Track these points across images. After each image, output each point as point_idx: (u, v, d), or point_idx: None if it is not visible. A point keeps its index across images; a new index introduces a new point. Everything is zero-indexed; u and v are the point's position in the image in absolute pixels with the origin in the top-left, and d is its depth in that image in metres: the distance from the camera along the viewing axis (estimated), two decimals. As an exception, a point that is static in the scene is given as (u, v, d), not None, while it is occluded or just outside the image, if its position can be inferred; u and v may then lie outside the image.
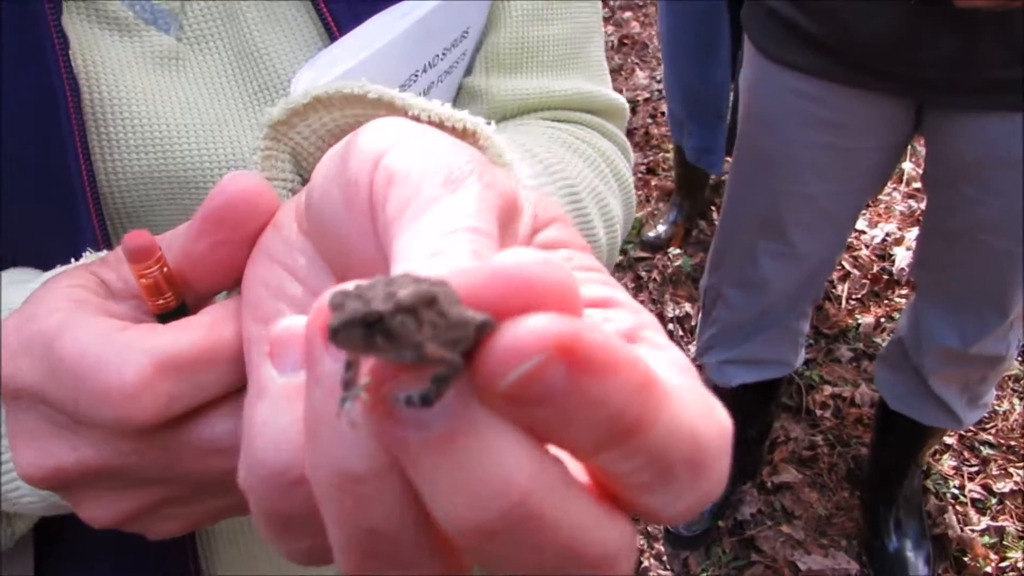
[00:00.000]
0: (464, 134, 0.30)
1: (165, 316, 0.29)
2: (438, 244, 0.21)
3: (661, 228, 2.50)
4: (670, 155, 2.69)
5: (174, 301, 0.29)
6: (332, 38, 0.44)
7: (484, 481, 0.18)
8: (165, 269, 0.29)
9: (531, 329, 0.18)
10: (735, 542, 1.88)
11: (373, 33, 0.42)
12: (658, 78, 3.14)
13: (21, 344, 0.28)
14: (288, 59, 0.44)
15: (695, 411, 0.20)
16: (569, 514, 0.19)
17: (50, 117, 0.39)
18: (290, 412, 0.23)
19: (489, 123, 0.31)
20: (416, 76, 0.46)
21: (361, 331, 0.18)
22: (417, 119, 0.29)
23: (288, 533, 0.24)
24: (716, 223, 2.00)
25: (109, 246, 0.41)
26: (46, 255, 0.38)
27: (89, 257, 0.36)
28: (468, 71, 0.53)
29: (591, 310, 0.24)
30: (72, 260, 0.36)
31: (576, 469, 0.21)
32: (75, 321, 0.27)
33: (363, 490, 0.20)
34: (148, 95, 0.42)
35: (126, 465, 0.28)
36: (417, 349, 0.18)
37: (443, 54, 0.48)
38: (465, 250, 0.21)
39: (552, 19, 0.54)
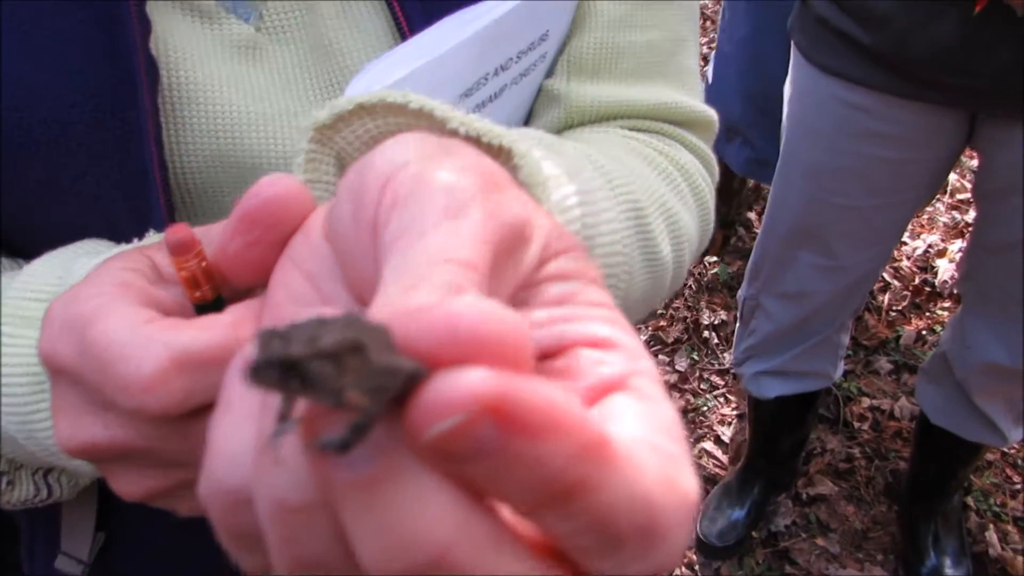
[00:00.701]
0: (500, 151, 0.30)
1: (202, 308, 0.30)
2: (417, 276, 0.21)
3: (698, 235, 2.47)
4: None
5: (211, 294, 0.30)
6: (404, 37, 0.44)
7: (404, 531, 0.18)
8: (204, 264, 0.30)
9: (456, 384, 0.17)
10: (768, 553, 1.86)
11: (441, 35, 0.42)
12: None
13: (63, 324, 0.29)
14: (359, 56, 0.45)
15: (654, 477, 0.20)
16: (497, 573, 0.19)
17: (127, 98, 0.41)
18: (251, 430, 0.22)
19: (525, 140, 0.30)
20: (487, 79, 0.45)
21: (278, 373, 0.18)
22: (455, 132, 0.29)
23: (242, 549, 0.24)
24: (756, 232, 1.98)
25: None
26: (118, 231, 0.40)
27: (152, 238, 0.37)
28: (550, 73, 0.52)
29: (585, 349, 0.24)
30: (135, 240, 0.37)
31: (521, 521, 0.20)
32: (109, 309, 0.28)
33: (297, 521, 0.20)
34: (223, 82, 0.43)
35: (150, 448, 0.29)
36: (336, 395, 0.18)
37: (518, 56, 0.47)
38: (441, 284, 0.20)
39: (641, 25, 0.52)
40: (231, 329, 0.28)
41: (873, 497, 1.93)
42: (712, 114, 0.58)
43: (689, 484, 0.21)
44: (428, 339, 0.18)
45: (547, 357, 0.24)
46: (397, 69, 0.40)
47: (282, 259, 0.28)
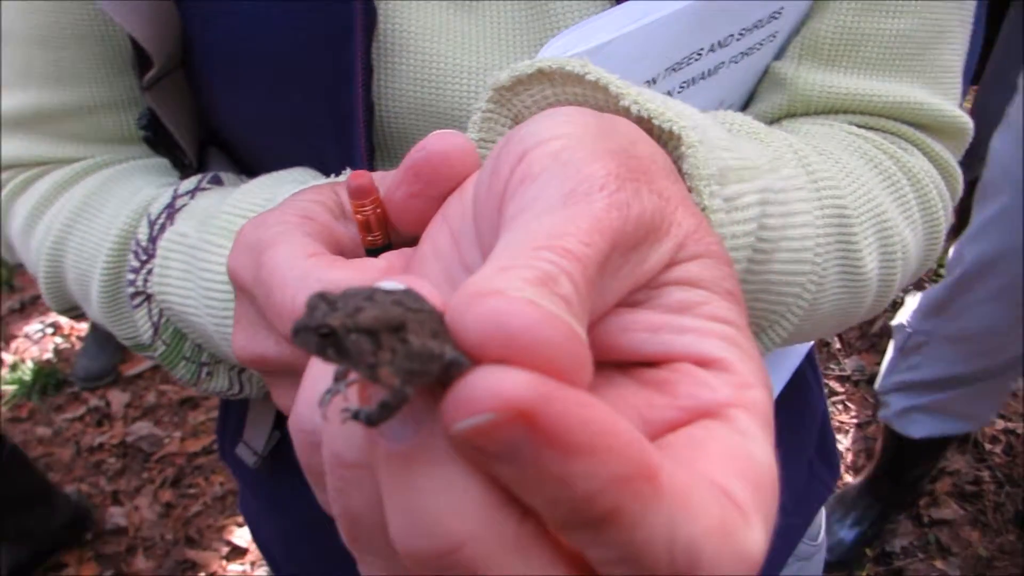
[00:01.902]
0: (671, 135, 0.28)
1: (372, 252, 0.31)
2: (514, 258, 0.20)
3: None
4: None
5: (382, 240, 0.31)
6: (618, 2, 0.42)
7: (426, 513, 0.18)
8: (379, 210, 0.31)
9: (490, 381, 0.17)
10: (882, 571, 1.78)
11: (656, 3, 0.39)
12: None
13: (247, 245, 0.31)
14: (571, 17, 0.43)
15: (707, 524, 0.18)
16: None
17: (342, 40, 0.43)
18: (330, 380, 0.23)
19: (711, 128, 0.30)
20: (700, 54, 0.42)
21: (316, 339, 0.18)
22: (628, 111, 0.28)
23: (316, 486, 0.25)
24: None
25: (371, 165, 0.46)
26: (324, 164, 0.45)
27: (347, 176, 0.38)
28: (780, 54, 0.48)
29: (690, 366, 0.23)
30: (331, 175, 0.40)
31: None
32: (284, 237, 0.30)
33: (348, 475, 0.21)
34: (436, 32, 0.44)
35: None
36: (370, 370, 0.18)
37: (741, 33, 0.43)
38: (535, 271, 0.19)
39: (895, 12, 0.46)
40: (381, 274, 0.28)
41: (1001, 524, 1.83)
42: (966, 121, 0.50)
43: (751, 542, 0.19)
44: (476, 330, 0.18)
45: (649, 365, 0.23)
46: (600, 34, 0.38)
47: (437, 214, 0.29)
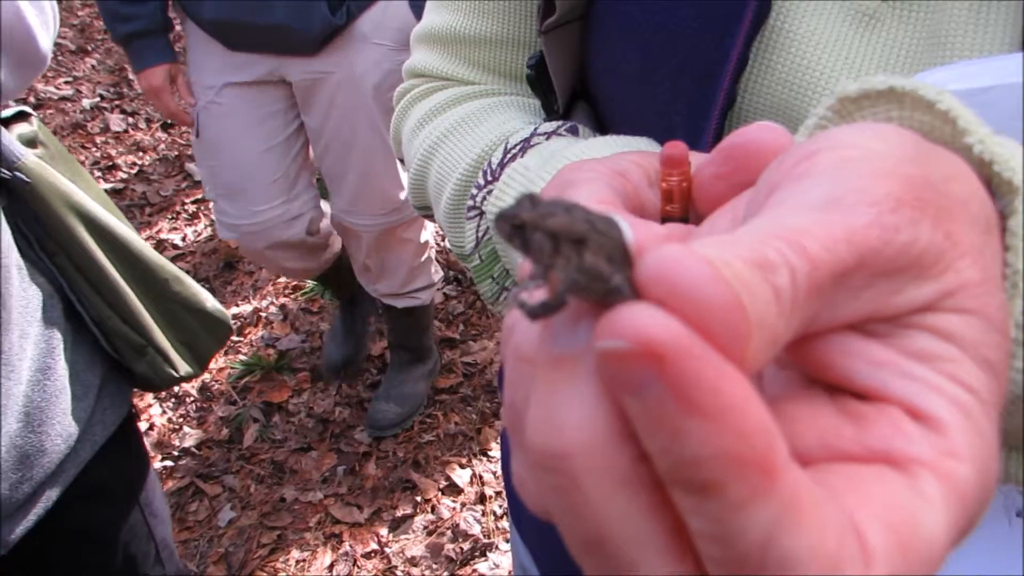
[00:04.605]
0: (1010, 186, 0.25)
1: (665, 220, 0.32)
2: (746, 237, 0.20)
3: None
4: None
5: (679, 212, 0.31)
6: None
7: (551, 415, 0.20)
8: (684, 184, 0.31)
9: (635, 314, 0.18)
10: None
11: None
12: None
13: (559, 181, 0.32)
14: (970, 52, 0.41)
15: (812, 546, 0.18)
16: (612, 511, 0.19)
17: (728, 28, 0.44)
18: None
19: None
20: None
21: (508, 228, 0.21)
22: (970, 150, 0.26)
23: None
24: None
25: None
26: (672, 136, 0.44)
27: None
28: None
29: (901, 413, 0.21)
30: None
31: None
32: (589, 183, 0.30)
33: (520, 368, 0.24)
34: (823, 40, 0.44)
35: None
36: (545, 270, 0.20)
37: None
38: (756, 253, 0.19)
39: None
40: (661, 239, 0.27)
41: None
42: None
43: None
44: (648, 269, 0.19)
45: (856, 395, 0.22)
46: (986, 76, 0.35)
47: (732, 200, 0.28)
